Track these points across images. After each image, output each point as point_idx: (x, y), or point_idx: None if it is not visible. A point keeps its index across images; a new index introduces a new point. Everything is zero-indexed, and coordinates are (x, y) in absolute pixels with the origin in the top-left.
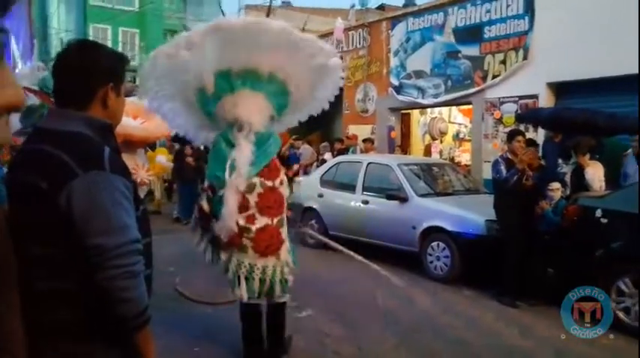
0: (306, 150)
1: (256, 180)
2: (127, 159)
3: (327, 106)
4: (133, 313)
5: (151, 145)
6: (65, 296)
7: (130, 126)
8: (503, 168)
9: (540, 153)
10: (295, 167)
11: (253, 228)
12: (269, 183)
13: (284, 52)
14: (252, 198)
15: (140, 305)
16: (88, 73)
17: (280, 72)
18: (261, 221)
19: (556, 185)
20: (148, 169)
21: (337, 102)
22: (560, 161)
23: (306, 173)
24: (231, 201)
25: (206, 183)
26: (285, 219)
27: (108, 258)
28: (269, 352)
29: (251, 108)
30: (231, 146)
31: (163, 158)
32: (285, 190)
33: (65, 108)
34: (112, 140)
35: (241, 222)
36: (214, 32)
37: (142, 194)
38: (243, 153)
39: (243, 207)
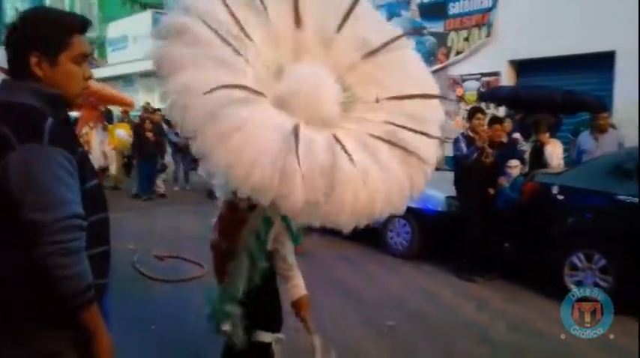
0: None
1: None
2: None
3: None
4: (74, 291)
5: (109, 119)
6: (3, 274)
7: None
8: (463, 145)
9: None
10: None
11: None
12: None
13: None
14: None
15: (81, 283)
16: (15, 43)
17: None
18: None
19: (515, 162)
20: (109, 143)
21: None
22: (520, 138)
23: None
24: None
25: None
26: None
27: (44, 234)
28: None
29: None
30: None
31: (123, 132)
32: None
33: (14, 80)
34: (62, 111)
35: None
36: None
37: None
38: None
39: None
